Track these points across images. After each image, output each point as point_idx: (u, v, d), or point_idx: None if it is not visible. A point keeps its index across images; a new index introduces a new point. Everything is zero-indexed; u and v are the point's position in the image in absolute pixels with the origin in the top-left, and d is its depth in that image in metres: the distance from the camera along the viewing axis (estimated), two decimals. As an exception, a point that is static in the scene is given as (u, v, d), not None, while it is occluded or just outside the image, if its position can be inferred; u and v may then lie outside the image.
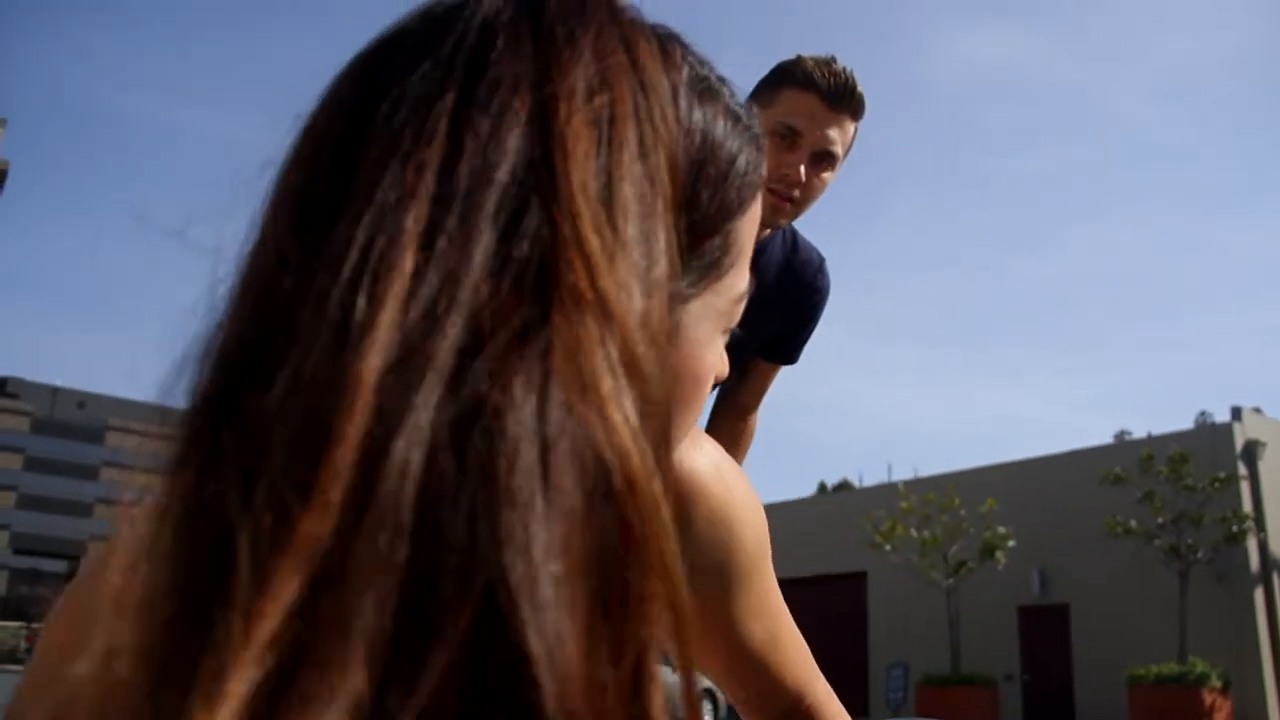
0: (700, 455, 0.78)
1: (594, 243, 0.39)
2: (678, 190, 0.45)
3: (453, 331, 0.36)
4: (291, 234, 0.40)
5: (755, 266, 1.90)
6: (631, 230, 0.40)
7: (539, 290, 0.38)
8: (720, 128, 0.50)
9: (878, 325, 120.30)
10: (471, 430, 0.35)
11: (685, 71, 0.49)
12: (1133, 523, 16.44)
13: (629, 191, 0.41)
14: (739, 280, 0.55)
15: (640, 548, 0.37)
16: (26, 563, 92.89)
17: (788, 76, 1.95)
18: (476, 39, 0.42)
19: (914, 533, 18.15)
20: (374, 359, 0.35)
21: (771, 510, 21.37)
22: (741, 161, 0.52)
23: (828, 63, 1.93)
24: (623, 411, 0.38)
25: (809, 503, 25.81)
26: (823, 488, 53.67)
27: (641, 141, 0.43)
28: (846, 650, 22.97)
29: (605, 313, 0.38)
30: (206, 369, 0.40)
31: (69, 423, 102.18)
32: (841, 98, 1.92)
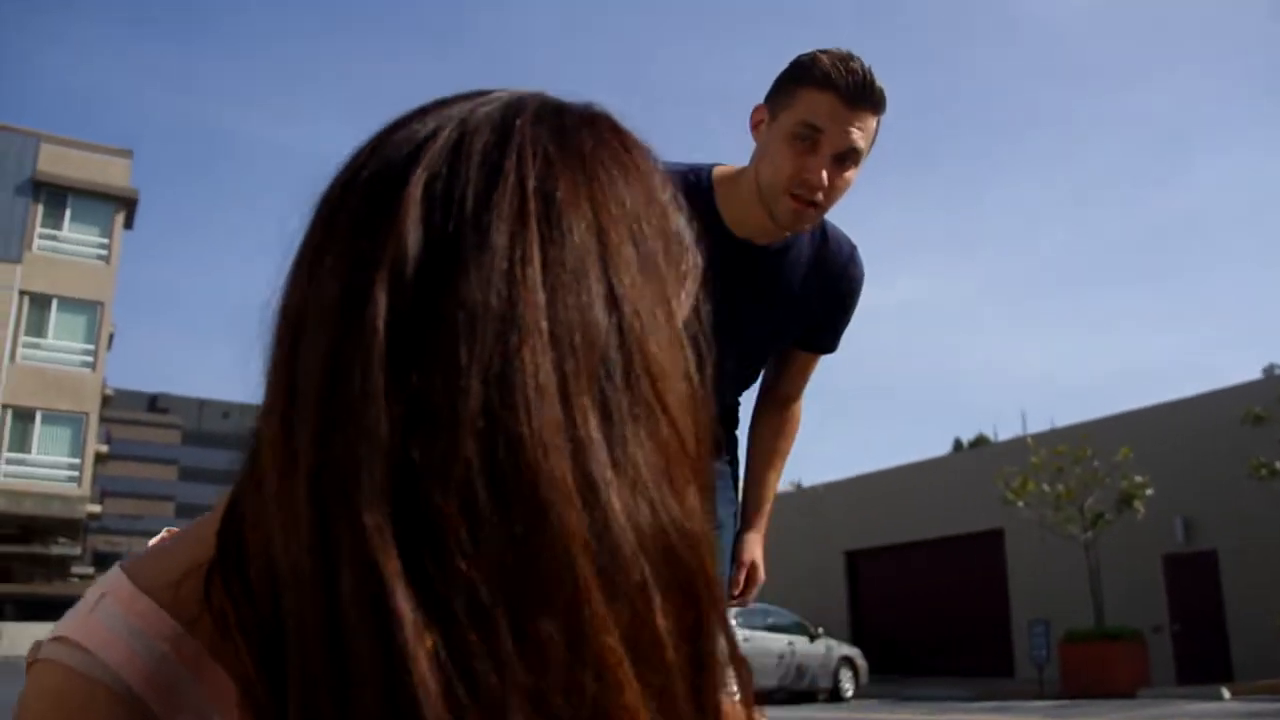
0: None
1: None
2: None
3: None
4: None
5: (784, 259, 1.92)
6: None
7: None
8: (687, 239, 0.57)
9: (1007, 276, 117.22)
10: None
11: (671, 192, 0.57)
12: (1278, 463, 15.82)
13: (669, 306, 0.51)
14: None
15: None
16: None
17: (806, 76, 1.90)
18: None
19: (1046, 487, 17.75)
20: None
21: (905, 471, 21.11)
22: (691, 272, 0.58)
23: (845, 60, 1.88)
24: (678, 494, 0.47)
25: (942, 462, 25.38)
26: (958, 444, 52.67)
27: (665, 259, 0.52)
28: (988, 609, 22.61)
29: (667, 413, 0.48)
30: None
31: (216, 433, 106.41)
32: (861, 95, 1.87)
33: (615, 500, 0.45)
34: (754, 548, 2.37)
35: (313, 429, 0.45)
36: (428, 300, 0.45)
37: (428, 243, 0.46)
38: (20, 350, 28.18)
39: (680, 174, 2.10)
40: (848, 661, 18.66)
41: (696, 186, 2.08)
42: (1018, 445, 20.81)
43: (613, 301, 0.48)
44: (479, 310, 0.45)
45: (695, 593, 0.47)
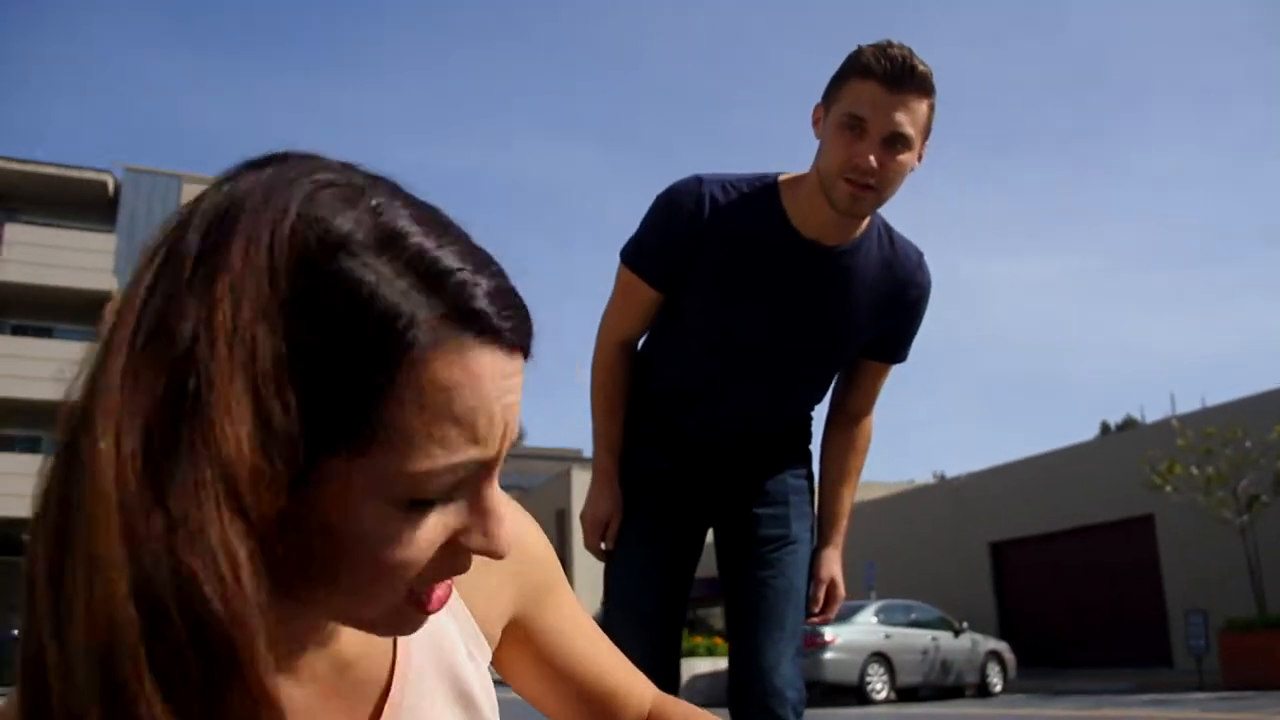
0: None
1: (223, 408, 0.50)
2: (348, 355, 0.53)
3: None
4: None
5: (852, 260, 1.97)
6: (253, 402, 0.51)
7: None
8: (402, 309, 0.54)
9: (1147, 251, 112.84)
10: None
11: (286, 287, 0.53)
12: None
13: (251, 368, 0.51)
14: (406, 459, 0.56)
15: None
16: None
17: (848, 68, 2.00)
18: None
19: (1195, 470, 17.03)
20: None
21: (1049, 459, 20.50)
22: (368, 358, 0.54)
23: (884, 47, 1.97)
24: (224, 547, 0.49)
25: (1088, 447, 24.53)
26: (1105, 428, 51.08)
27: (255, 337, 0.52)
28: (1141, 599, 21.80)
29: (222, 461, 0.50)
30: None
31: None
32: (900, 79, 1.94)
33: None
34: (832, 564, 2.38)
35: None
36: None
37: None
38: (174, 380, 29.63)
39: (748, 181, 2.17)
40: (995, 656, 18.24)
41: (762, 193, 2.15)
42: (1164, 428, 20.04)
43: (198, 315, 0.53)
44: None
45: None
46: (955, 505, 26.99)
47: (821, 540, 2.39)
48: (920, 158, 2.05)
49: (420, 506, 0.58)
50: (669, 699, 0.99)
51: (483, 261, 0.60)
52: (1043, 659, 23.14)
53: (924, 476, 45.58)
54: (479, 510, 0.61)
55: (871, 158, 1.95)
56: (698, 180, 2.16)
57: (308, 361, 0.53)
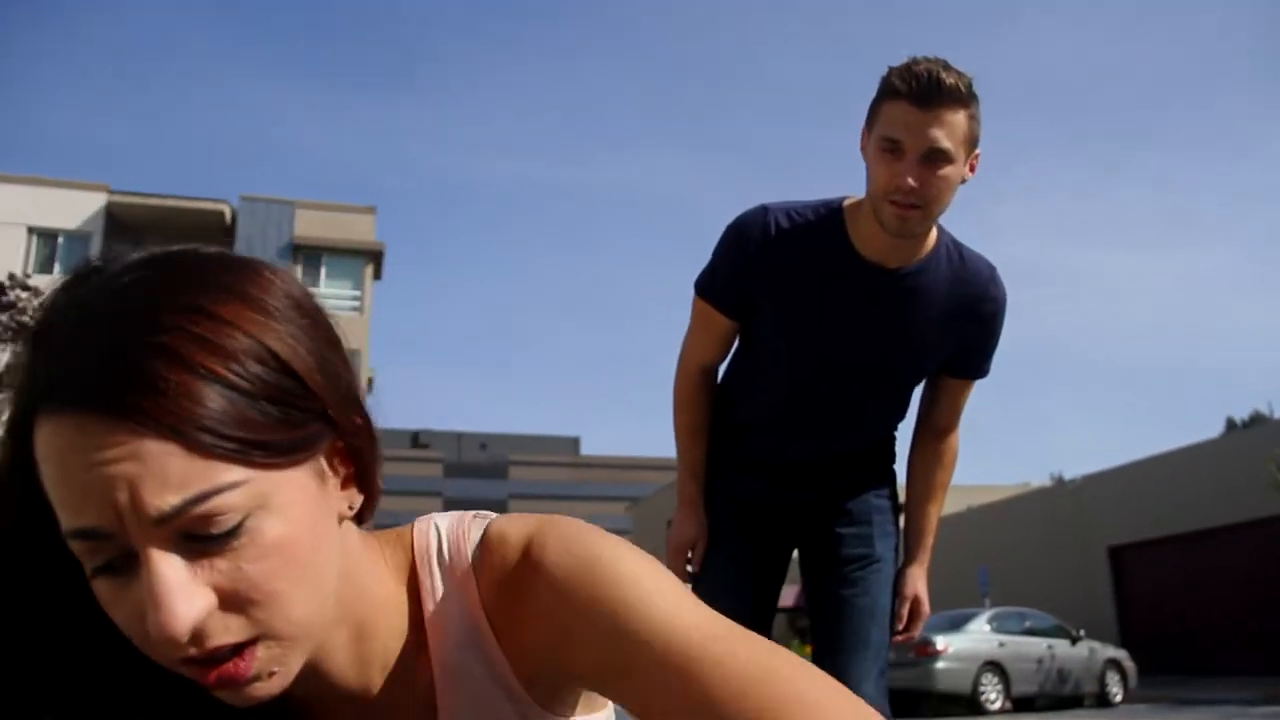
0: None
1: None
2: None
3: None
4: None
5: (919, 282, 2.04)
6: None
7: None
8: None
9: (1274, 237, 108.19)
10: None
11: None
12: None
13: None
14: (61, 521, 0.61)
15: None
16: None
17: (880, 92, 2.02)
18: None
19: (1324, 470, 16.34)
20: None
21: (1172, 458, 19.82)
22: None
23: (910, 66, 1.97)
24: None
25: (1212, 445, 23.60)
26: (1231, 424, 49.18)
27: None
28: (1268, 605, 20.87)
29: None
30: None
31: (475, 464, 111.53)
32: (929, 96, 1.93)
33: None
34: (916, 581, 2.38)
35: None
36: None
37: None
38: (291, 400, 30.63)
39: (812, 208, 2.20)
40: (1114, 664, 17.73)
41: (826, 219, 2.17)
42: (1290, 425, 19.27)
43: None
44: None
45: None
46: (1072, 508, 26.30)
47: (907, 558, 2.41)
48: (972, 168, 2.05)
49: (98, 574, 0.62)
50: None
51: (82, 338, 0.61)
52: (1165, 668, 22.37)
53: (1040, 479, 44.40)
54: (142, 590, 0.60)
55: (910, 178, 1.95)
56: (764, 210, 2.20)
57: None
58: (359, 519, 0.76)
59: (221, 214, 31.47)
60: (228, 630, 0.62)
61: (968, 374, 2.36)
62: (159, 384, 0.59)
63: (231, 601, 0.62)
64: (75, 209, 30.29)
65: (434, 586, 0.77)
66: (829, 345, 2.21)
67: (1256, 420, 41.46)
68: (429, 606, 0.77)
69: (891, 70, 2.00)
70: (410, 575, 0.78)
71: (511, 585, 0.74)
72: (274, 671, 0.65)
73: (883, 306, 2.16)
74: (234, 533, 0.62)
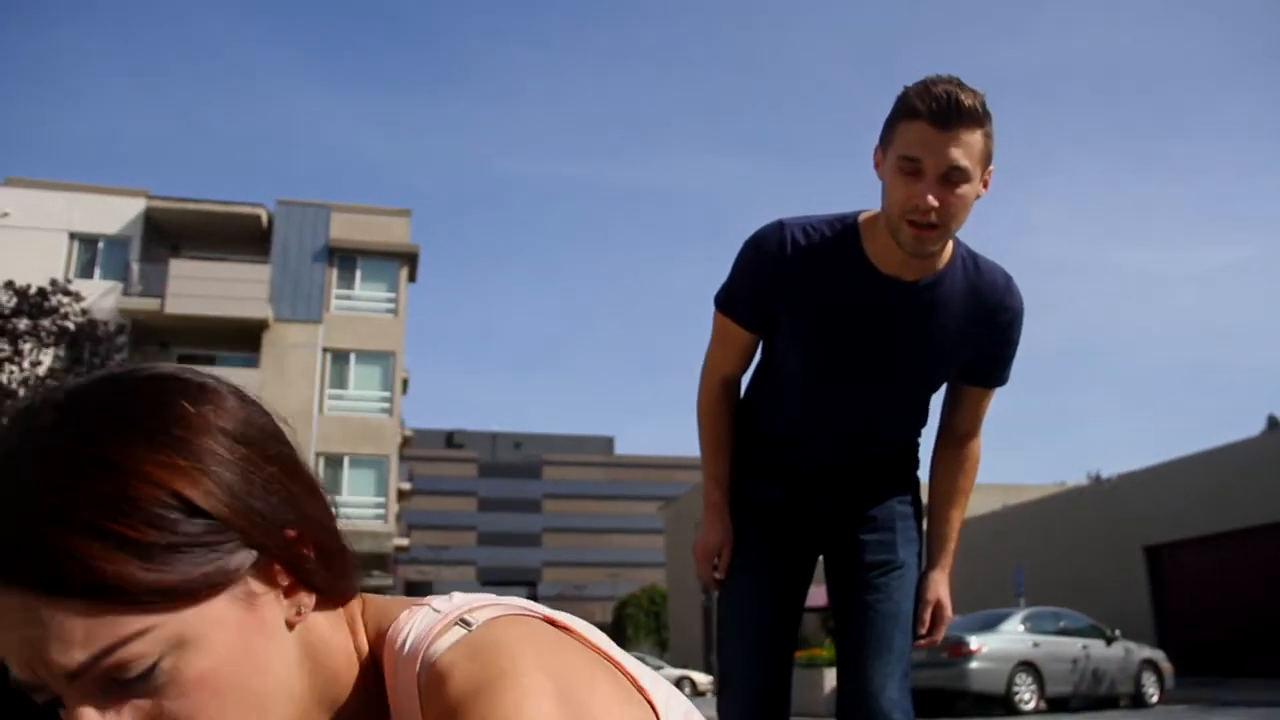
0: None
1: None
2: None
3: None
4: None
5: (935, 294, 2.13)
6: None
7: None
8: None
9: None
10: None
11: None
12: None
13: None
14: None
15: None
16: (493, 593, 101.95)
17: (897, 111, 2.03)
18: None
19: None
20: None
21: (1210, 456, 19.54)
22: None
23: (928, 86, 1.98)
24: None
25: (1253, 444, 23.35)
26: (1273, 422, 48.54)
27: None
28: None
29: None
30: None
31: (509, 463, 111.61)
32: (948, 117, 1.95)
33: None
34: (939, 586, 2.42)
35: None
36: None
37: None
38: (326, 402, 30.91)
39: (828, 223, 2.24)
40: (1150, 665, 17.59)
41: (842, 233, 2.21)
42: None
43: None
44: None
45: None
46: (1109, 507, 26.09)
47: (929, 562, 2.44)
48: (985, 184, 2.07)
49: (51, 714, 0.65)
50: None
51: None
52: (1203, 668, 22.15)
53: (1077, 478, 43.98)
54: None
55: (930, 197, 1.97)
56: (780, 225, 2.24)
57: None
58: (336, 598, 0.78)
59: (258, 218, 31.79)
60: None
61: (987, 382, 2.39)
62: (47, 551, 0.60)
63: None
64: (115, 214, 30.70)
65: (394, 682, 0.77)
66: (847, 358, 2.25)
67: (1298, 418, 40.80)
68: (390, 693, 0.77)
69: (908, 90, 2.02)
70: (382, 655, 0.80)
71: None
72: None
73: (900, 320, 2.20)
74: (150, 675, 0.63)
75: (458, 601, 0.80)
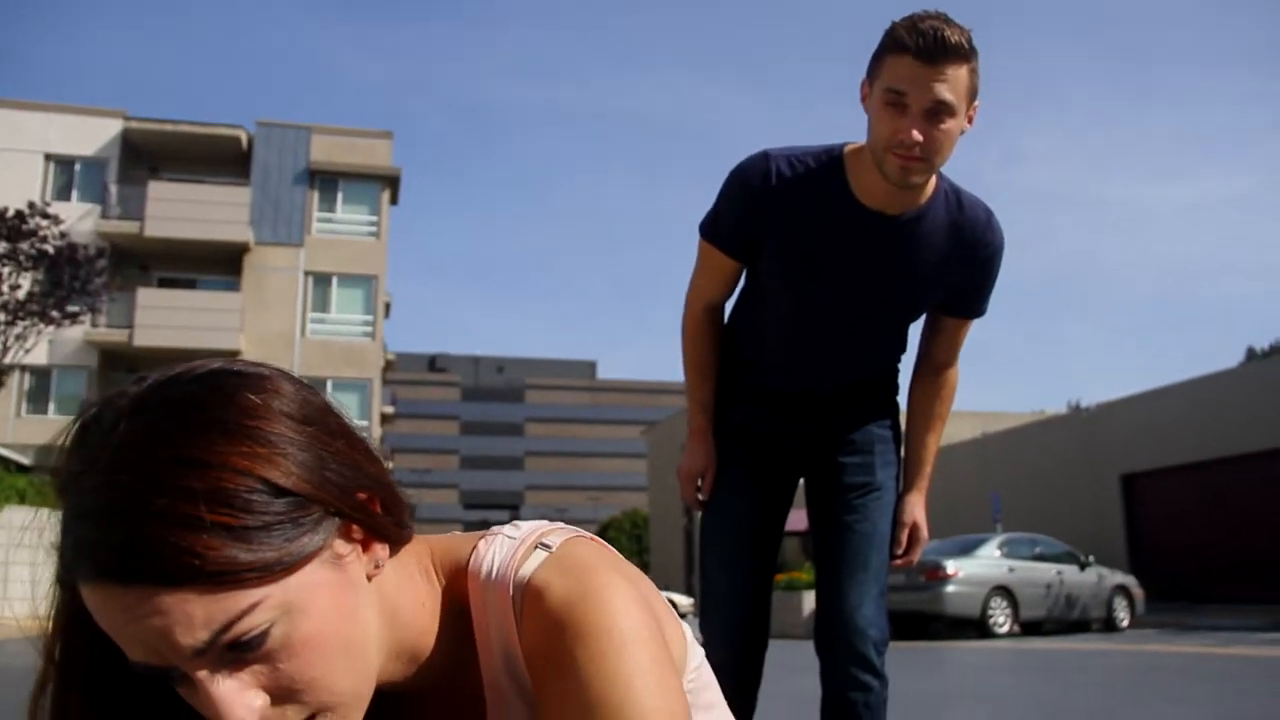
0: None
1: None
2: None
3: None
4: None
5: (918, 228, 2.16)
6: None
7: None
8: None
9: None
10: None
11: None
12: None
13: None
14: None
15: None
16: (476, 515, 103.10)
17: (884, 45, 2.04)
18: None
19: (1339, 400, 16.34)
20: None
21: (1187, 387, 19.75)
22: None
23: (915, 21, 1.99)
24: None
25: (1228, 375, 23.63)
26: (1251, 353, 49.03)
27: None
28: (1279, 534, 21.10)
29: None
30: None
31: (492, 387, 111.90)
32: (934, 52, 1.97)
33: None
34: (915, 509, 2.48)
35: None
36: None
37: None
38: (308, 326, 30.85)
39: (814, 155, 2.26)
40: (1122, 590, 17.96)
41: (827, 165, 2.23)
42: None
43: None
44: None
45: None
46: (1087, 436, 26.41)
47: (906, 485, 2.50)
48: (970, 120, 2.09)
49: (170, 678, 0.72)
50: None
51: (89, 509, 0.70)
52: (1175, 595, 22.64)
53: (1057, 406, 44.45)
54: (202, 706, 0.72)
55: (915, 131, 2.00)
56: (765, 156, 2.25)
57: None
58: (401, 545, 0.86)
59: (238, 139, 31.40)
60: (285, 716, 0.73)
61: (965, 314, 2.44)
62: (161, 548, 0.67)
63: (280, 695, 0.73)
64: (92, 135, 30.27)
65: (484, 609, 0.86)
66: (830, 288, 2.28)
67: (1277, 350, 41.16)
68: (478, 622, 0.87)
69: (896, 25, 2.03)
70: (463, 588, 0.88)
71: (542, 639, 0.81)
72: None
73: (883, 252, 2.23)
74: (264, 642, 0.71)
75: (529, 528, 0.90)
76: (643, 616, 0.80)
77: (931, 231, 2.23)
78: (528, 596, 0.83)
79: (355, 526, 0.78)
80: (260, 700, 0.72)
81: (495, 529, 0.91)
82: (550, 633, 0.80)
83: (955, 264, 2.29)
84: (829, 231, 2.22)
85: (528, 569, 0.84)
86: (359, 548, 0.79)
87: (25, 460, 23.03)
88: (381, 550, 0.81)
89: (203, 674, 0.70)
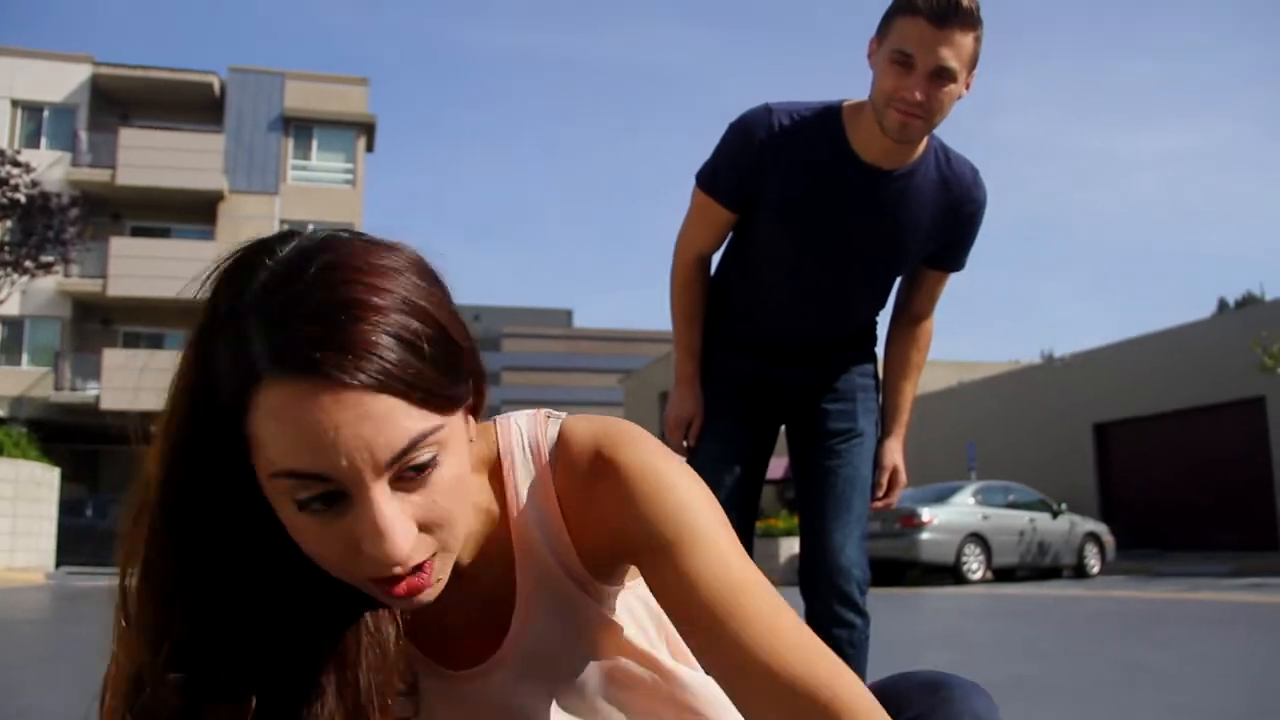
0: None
1: None
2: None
3: None
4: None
5: (910, 183, 2.26)
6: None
7: None
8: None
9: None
10: None
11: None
12: None
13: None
14: (269, 466, 0.74)
15: None
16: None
17: (896, 5, 2.13)
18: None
19: (1309, 351, 16.53)
20: None
21: (1158, 339, 19.90)
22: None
23: None
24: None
25: (1198, 327, 23.93)
26: (1223, 305, 49.46)
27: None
28: (1248, 483, 21.42)
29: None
30: None
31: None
32: (945, 16, 2.06)
33: None
34: (894, 453, 2.57)
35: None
36: None
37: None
38: (285, 276, 30.60)
39: (814, 110, 2.33)
40: (1093, 538, 18.24)
41: (827, 121, 2.31)
42: (1278, 306, 19.43)
43: None
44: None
45: None
46: (1060, 386, 26.64)
47: (885, 431, 2.58)
48: (968, 86, 2.18)
49: (307, 508, 0.73)
50: None
51: (314, 312, 0.71)
52: (1145, 542, 23.00)
53: (1031, 356, 44.77)
54: (360, 523, 0.73)
55: (918, 92, 2.10)
56: (767, 109, 2.33)
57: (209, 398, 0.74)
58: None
59: (210, 86, 30.97)
60: (417, 550, 0.77)
61: (946, 267, 2.52)
62: (392, 356, 0.71)
63: (423, 526, 0.77)
64: (60, 81, 29.80)
65: (516, 476, 0.93)
66: (824, 240, 2.34)
67: (1248, 301, 41.51)
68: (510, 492, 0.93)
69: None
70: (494, 464, 0.94)
71: (584, 475, 0.90)
72: (439, 579, 0.81)
73: (876, 205, 2.31)
74: (428, 471, 0.75)
75: (529, 411, 0.99)
76: (659, 448, 0.91)
77: (922, 186, 2.32)
78: (561, 441, 0.92)
79: (474, 394, 0.84)
80: (414, 528, 0.76)
81: (506, 414, 0.98)
82: (588, 453, 0.90)
83: (942, 218, 2.37)
84: (825, 183, 2.29)
85: (552, 429, 0.94)
86: (469, 413, 0.84)
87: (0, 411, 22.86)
88: (473, 425, 0.86)
89: (377, 492, 0.73)
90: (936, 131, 2.31)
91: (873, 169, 2.27)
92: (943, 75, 2.10)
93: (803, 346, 2.49)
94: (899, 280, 2.56)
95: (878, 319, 2.62)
